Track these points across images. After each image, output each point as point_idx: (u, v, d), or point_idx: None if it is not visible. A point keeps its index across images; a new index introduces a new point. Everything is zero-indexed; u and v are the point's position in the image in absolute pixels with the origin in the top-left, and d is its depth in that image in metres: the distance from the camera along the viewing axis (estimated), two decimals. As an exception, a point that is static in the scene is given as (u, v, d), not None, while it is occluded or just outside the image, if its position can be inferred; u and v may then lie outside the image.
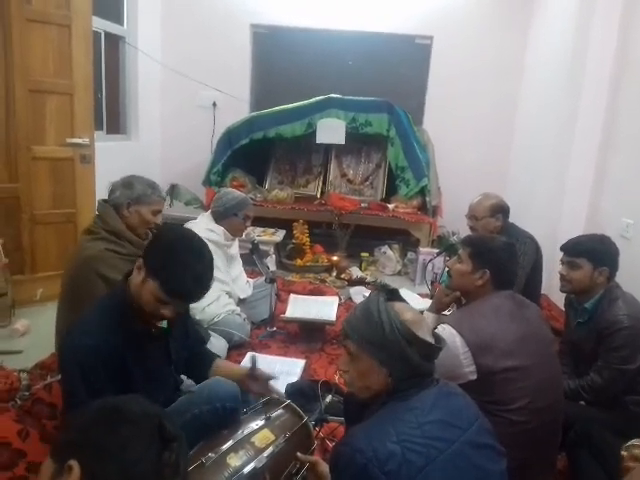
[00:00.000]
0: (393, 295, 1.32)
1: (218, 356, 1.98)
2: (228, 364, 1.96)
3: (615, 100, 3.20)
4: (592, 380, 2.00)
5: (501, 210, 2.86)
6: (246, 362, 2.55)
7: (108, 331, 1.45)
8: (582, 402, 2.07)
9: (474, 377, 1.68)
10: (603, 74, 3.25)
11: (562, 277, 2.16)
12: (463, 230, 3.26)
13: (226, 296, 2.84)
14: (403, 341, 1.19)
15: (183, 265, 1.45)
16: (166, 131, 5.27)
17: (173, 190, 4.71)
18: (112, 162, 3.63)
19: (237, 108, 5.03)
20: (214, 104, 5.15)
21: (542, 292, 3.15)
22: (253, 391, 1.76)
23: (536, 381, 1.69)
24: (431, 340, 1.23)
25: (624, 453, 1.49)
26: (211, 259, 1.55)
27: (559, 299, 3.58)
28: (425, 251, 4.11)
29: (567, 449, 1.89)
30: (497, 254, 1.87)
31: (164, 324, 1.61)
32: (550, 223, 3.68)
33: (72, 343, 1.46)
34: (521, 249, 2.70)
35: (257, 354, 2.68)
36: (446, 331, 1.72)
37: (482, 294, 1.85)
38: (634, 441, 1.51)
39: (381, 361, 1.22)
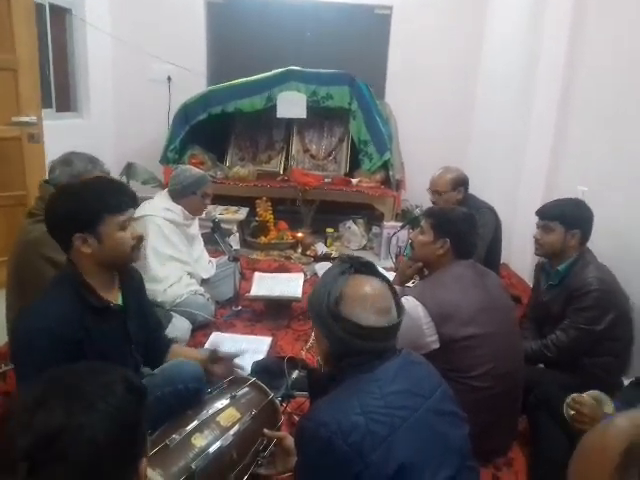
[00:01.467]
0: (365, 267, 1.30)
1: (175, 341, 1.95)
2: (185, 349, 1.94)
3: (571, 74, 3.24)
4: (557, 338, 2.05)
5: (462, 183, 2.90)
6: (210, 343, 2.53)
7: (61, 312, 1.41)
8: (541, 365, 2.13)
9: (437, 346, 1.71)
10: (560, 46, 3.28)
11: (536, 241, 2.21)
12: (426, 203, 3.28)
13: (188, 277, 2.79)
14: (328, 315, 1.21)
15: (100, 186, 1.53)
16: (119, 107, 5.06)
17: (129, 169, 4.55)
18: (63, 141, 3.44)
19: (193, 82, 4.87)
20: (169, 78, 4.97)
21: (502, 261, 3.22)
22: (217, 375, 1.74)
23: (497, 348, 1.74)
24: (371, 319, 1.20)
25: (567, 411, 1.55)
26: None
27: (518, 268, 3.68)
28: (389, 225, 4.12)
29: (527, 412, 1.95)
30: (457, 224, 1.90)
31: (119, 300, 1.58)
32: (509, 193, 3.75)
33: (23, 326, 1.42)
34: (481, 220, 2.73)
35: (223, 334, 2.67)
36: (409, 302, 1.74)
37: (443, 264, 1.89)
38: (573, 396, 1.57)
39: (322, 332, 1.25)
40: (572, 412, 1.58)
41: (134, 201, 1.56)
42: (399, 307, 1.27)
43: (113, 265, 1.54)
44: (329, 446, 1.08)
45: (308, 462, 1.17)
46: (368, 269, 1.30)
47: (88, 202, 1.46)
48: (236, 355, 1.81)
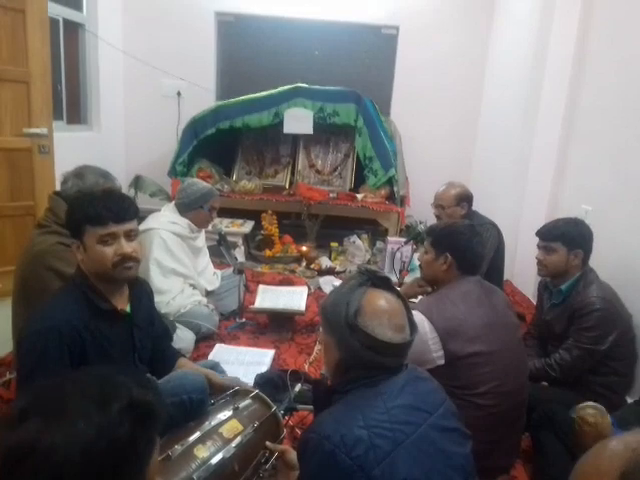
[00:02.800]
0: (381, 282, 1.30)
1: (183, 355, 1.97)
2: (191, 364, 1.94)
3: (576, 91, 3.27)
4: (561, 357, 2.05)
5: (466, 198, 2.92)
6: (214, 355, 2.53)
7: (69, 314, 1.43)
8: (545, 383, 2.12)
9: (442, 362, 1.70)
10: (564, 65, 3.31)
11: (539, 262, 2.21)
12: (430, 219, 3.29)
13: (190, 288, 2.79)
14: (345, 326, 1.20)
15: (90, 199, 1.51)
16: (129, 121, 5.14)
17: (137, 182, 4.59)
18: (73, 153, 3.50)
19: (202, 97, 4.94)
20: (179, 93, 5.05)
21: (505, 278, 3.21)
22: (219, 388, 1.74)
23: (502, 366, 1.72)
24: (387, 334, 1.19)
25: (575, 417, 1.53)
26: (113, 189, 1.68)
27: (522, 285, 3.67)
28: (393, 240, 4.13)
29: (531, 430, 1.93)
30: (455, 237, 1.90)
31: (127, 309, 1.59)
32: (513, 211, 3.76)
33: (31, 328, 1.43)
34: (483, 235, 2.76)
35: (226, 345, 2.67)
36: (416, 316, 1.73)
37: (450, 279, 1.87)
38: (583, 405, 1.56)
39: (334, 340, 1.24)
40: (582, 425, 1.55)
41: (121, 216, 1.49)
42: (412, 325, 1.26)
43: (101, 278, 1.50)
44: (332, 459, 1.07)
45: (310, 475, 1.16)
46: (384, 284, 1.31)
47: (73, 211, 1.51)
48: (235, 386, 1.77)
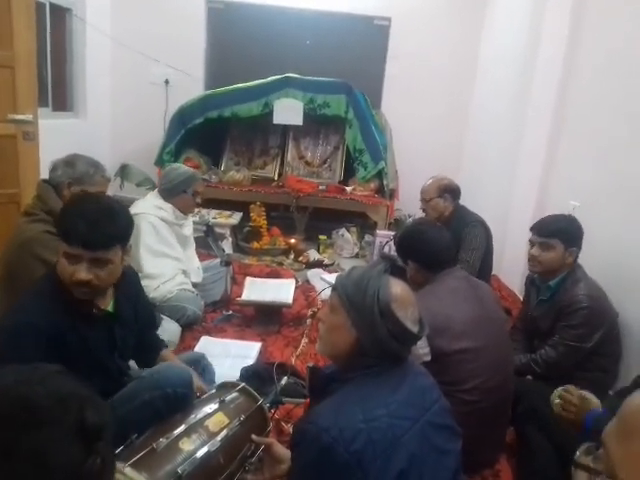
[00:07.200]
0: (398, 271, 1.31)
1: (166, 346, 1.96)
2: (174, 358, 1.93)
3: (565, 88, 3.28)
4: (546, 354, 2.06)
5: (449, 190, 2.90)
6: (200, 347, 2.51)
7: (47, 311, 1.39)
8: (529, 377, 2.14)
9: (428, 359, 1.70)
10: (555, 61, 3.32)
11: (533, 258, 2.15)
12: (419, 213, 3.30)
13: (182, 275, 2.78)
14: (376, 309, 1.19)
15: (76, 211, 1.43)
16: (116, 109, 5.06)
17: (124, 170, 4.53)
18: (59, 141, 3.46)
19: (191, 86, 4.88)
20: (167, 81, 4.99)
21: (492, 273, 3.23)
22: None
23: (488, 361, 1.74)
24: (409, 325, 1.21)
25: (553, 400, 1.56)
26: (115, 209, 1.48)
27: (509, 280, 3.70)
28: (382, 234, 4.13)
29: (515, 424, 1.95)
30: (408, 242, 1.96)
31: (110, 308, 1.56)
32: (502, 205, 3.78)
33: (6, 324, 1.39)
34: (471, 232, 2.79)
35: (212, 338, 2.66)
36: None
37: (425, 281, 1.89)
38: (566, 387, 1.57)
39: (353, 321, 1.22)
40: (558, 401, 1.57)
41: (91, 243, 1.37)
42: (421, 319, 1.28)
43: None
44: (329, 452, 1.06)
45: (305, 466, 1.14)
46: (402, 274, 1.31)
47: (61, 212, 1.50)
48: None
